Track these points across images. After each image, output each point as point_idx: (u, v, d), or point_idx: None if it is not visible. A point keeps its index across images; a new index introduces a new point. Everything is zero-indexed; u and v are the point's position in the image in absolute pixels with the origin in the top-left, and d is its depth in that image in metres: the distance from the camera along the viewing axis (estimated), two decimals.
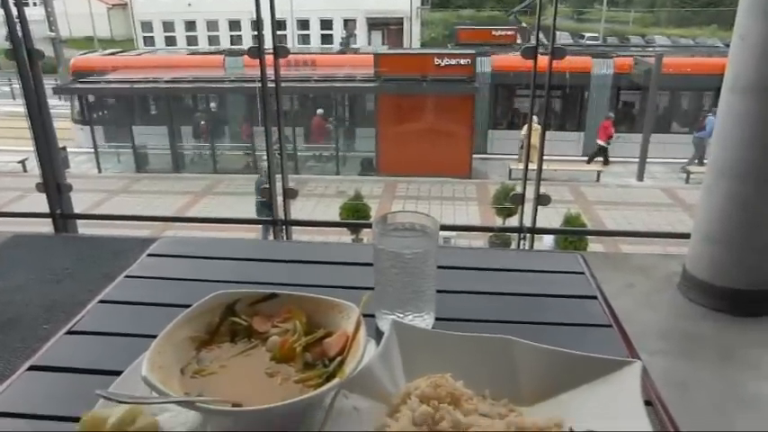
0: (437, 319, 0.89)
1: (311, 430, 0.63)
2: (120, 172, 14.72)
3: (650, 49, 18.42)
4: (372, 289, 0.88)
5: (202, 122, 14.94)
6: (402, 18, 27.61)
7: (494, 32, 17.03)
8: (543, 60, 2.88)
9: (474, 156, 13.71)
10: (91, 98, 15.53)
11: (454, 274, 1.04)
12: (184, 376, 0.69)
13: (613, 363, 0.70)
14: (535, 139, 3.03)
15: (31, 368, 0.83)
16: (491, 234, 6.08)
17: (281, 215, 3.08)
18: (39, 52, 3.26)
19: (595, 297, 0.99)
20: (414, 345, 0.74)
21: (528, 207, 2.99)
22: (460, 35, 18.03)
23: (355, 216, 8.81)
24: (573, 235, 6.37)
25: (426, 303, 0.86)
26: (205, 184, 13.33)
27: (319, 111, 14.33)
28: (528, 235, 2.89)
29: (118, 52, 18.63)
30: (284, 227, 3.11)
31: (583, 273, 1.08)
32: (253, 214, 8.17)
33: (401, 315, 0.85)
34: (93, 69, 15.49)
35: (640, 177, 13.20)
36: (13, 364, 2.27)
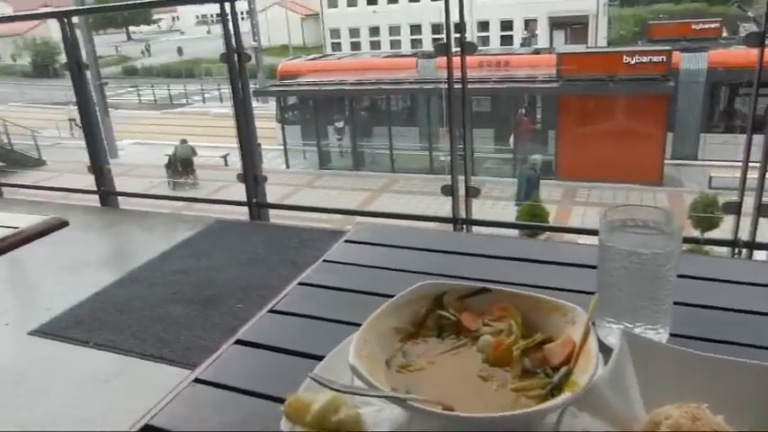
0: (671, 334, 0.75)
1: None
2: (305, 168, 15.78)
3: None
4: (588, 293, 0.77)
5: (340, 123, 15.61)
6: (587, 16, 26.31)
7: (693, 26, 15.50)
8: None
9: (667, 161, 12.58)
10: (291, 100, 16.83)
11: (688, 284, 0.88)
12: (390, 369, 0.64)
13: None
14: None
15: (237, 342, 0.85)
16: (687, 248, 5.48)
17: (461, 214, 3.02)
18: (246, 55, 3.55)
19: None
20: (651, 362, 0.62)
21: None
22: (654, 31, 16.70)
23: (533, 220, 8.54)
24: None
25: (662, 315, 0.73)
26: (382, 183, 13.80)
27: (521, 111, 14.20)
28: (744, 250, 2.52)
29: (319, 57, 20.04)
30: (464, 225, 3.04)
31: None
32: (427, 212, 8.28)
33: (630, 325, 0.73)
34: (299, 73, 16.78)
35: None
36: (212, 337, 2.47)
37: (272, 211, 3.89)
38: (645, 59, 12.55)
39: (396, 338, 0.68)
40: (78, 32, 4.20)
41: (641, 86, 12.43)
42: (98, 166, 4.09)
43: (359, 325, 0.67)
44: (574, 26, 26.85)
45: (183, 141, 15.34)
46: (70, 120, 19.38)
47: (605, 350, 0.63)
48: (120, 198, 4.24)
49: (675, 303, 0.76)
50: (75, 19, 4.02)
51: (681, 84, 12.98)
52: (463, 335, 0.69)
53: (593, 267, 0.96)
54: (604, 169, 11.84)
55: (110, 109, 17.93)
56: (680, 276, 0.78)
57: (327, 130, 16.18)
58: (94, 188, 4.14)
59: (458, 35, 2.94)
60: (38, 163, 17.27)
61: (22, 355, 2.49)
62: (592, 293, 0.79)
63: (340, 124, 16.00)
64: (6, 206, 4.32)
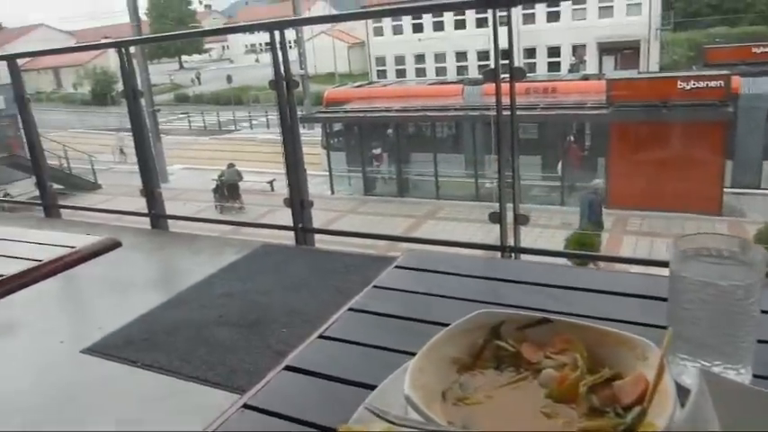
0: (753, 375, 0.69)
1: None
2: (350, 194, 15.90)
3: None
4: (653, 326, 0.73)
5: (378, 150, 15.67)
6: (638, 41, 25.93)
7: (754, 49, 15.03)
8: None
9: (726, 190, 12.09)
10: (337, 126, 17.04)
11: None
12: (446, 402, 0.61)
13: None
14: None
15: (287, 368, 0.83)
16: None
17: (510, 241, 2.96)
18: (294, 82, 3.61)
19: None
20: (734, 406, 0.57)
21: None
22: (710, 55, 16.30)
23: (582, 249, 8.35)
24: None
25: (743, 353, 0.67)
26: (427, 210, 13.77)
27: (569, 138, 14.05)
28: None
29: (365, 84, 20.33)
30: (512, 254, 2.97)
31: None
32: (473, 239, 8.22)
33: (707, 364, 0.67)
34: (345, 100, 17.02)
35: None
36: (256, 361, 2.47)
37: (316, 236, 3.90)
38: (701, 84, 12.19)
39: (452, 369, 0.65)
40: (135, 62, 4.34)
41: (697, 112, 12.04)
42: (150, 189, 4.19)
43: (411, 353, 0.64)
44: (624, 51, 26.49)
45: (231, 165, 15.68)
46: (119, 147, 20.25)
47: (680, 390, 0.58)
48: (169, 221, 4.32)
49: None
50: (132, 49, 4.16)
51: (741, 109, 12.54)
52: (523, 367, 0.65)
53: (656, 299, 0.91)
54: (658, 198, 11.50)
55: (161, 135, 18.52)
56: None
57: (381, 157, 16.33)
58: (146, 211, 4.25)
59: (505, 61, 2.92)
60: (94, 186, 17.94)
61: (74, 373, 2.53)
62: (657, 327, 0.74)
63: (377, 151, 16.14)
64: (64, 227, 4.47)
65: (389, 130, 16.46)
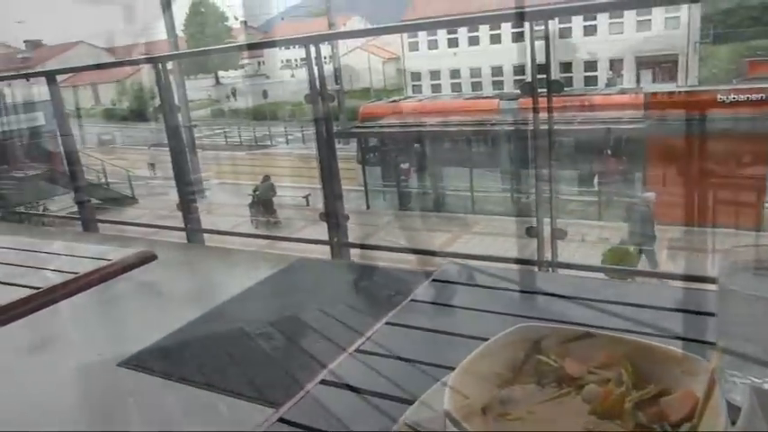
0: None
1: None
2: (385, 209, 15.92)
3: None
4: (698, 342, 0.71)
5: (405, 164, 15.67)
6: (676, 54, 25.49)
7: None
8: None
9: None
10: (372, 141, 17.15)
11: None
12: (486, 417, 0.59)
13: None
14: None
15: (323, 382, 0.82)
16: None
17: (546, 256, 2.91)
18: (330, 95, 3.63)
19: None
20: None
21: None
22: (751, 68, 15.92)
23: (621, 264, 8.20)
24: None
25: None
26: (462, 224, 13.69)
27: (606, 152, 13.92)
28: None
29: (400, 99, 20.44)
30: (549, 269, 2.93)
31: None
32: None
33: (758, 381, 0.65)
34: (382, 114, 17.13)
35: None
36: (292, 375, 2.46)
37: (352, 251, 3.90)
38: (741, 98, 11.92)
39: (492, 384, 0.63)
40: (172, 78, 4.43)
41: (738, 126, 11.77)
42: (186, 204, 4.24)
43: (449, 367, 0.63)
44: (662, 65, 26.06)
45: (266, 179, 15.86)
46: (150, 164, 20.78)
47: (730, 408, 0.56)
48: (205, 235, 4.37)
49: None
50: (169, 65, 4.23)
51: None
52: (566, 383, 0.63)
53: (700, 313, 0.88)
54: (697, 213, 11.24)
55: (198, 149, 18.86)
56: None
57: (408, 172, 16.34)
58: (182, 225, 4.30)
59: (542, 76, 2.90)
60: (131, 201, 18.33)
61: (111, 387, 2.56)
62: (701, 342, 0.72)
63: (405, 165, 16.19)
64: (102, 240, 4.57)
65: (416, 144, 16.47)
